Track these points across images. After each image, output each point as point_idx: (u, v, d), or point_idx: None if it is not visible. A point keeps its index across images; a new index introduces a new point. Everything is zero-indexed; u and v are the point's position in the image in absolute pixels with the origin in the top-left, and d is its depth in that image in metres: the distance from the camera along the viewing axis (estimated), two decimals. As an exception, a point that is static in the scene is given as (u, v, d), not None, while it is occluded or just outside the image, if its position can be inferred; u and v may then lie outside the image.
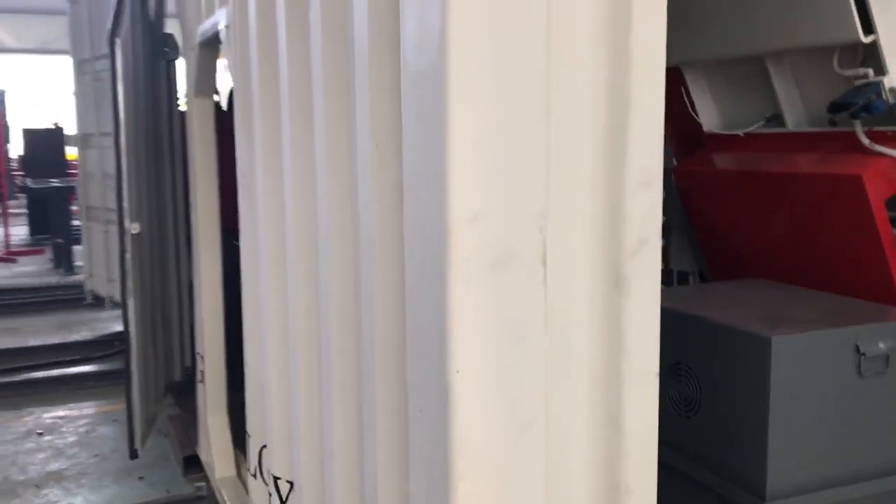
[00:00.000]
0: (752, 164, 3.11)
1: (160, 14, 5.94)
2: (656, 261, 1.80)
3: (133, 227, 4.80)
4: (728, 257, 3.39)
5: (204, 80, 4.29)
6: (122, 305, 4.90)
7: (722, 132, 3.28)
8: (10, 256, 14.95)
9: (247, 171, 3.18)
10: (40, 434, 6.15)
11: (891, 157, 2.64)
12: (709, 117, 3.37)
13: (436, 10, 1.54)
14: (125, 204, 4.78)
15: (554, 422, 1.77)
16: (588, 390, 1.81)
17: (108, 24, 4.76)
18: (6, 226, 15.54)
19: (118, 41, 4.64)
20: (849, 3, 2.52)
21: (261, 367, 3.18)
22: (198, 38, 4.12)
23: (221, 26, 3.49)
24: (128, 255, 4.79)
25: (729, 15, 2.96)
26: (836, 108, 2.71)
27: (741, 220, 3.24)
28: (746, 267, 3.29)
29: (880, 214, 2.66)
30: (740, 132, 3.20)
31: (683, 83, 3.34)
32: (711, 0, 3.01)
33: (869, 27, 2.57)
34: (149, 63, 5.57)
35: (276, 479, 3.11)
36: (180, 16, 4.76)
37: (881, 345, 2.34)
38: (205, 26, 3.92)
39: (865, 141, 2.72)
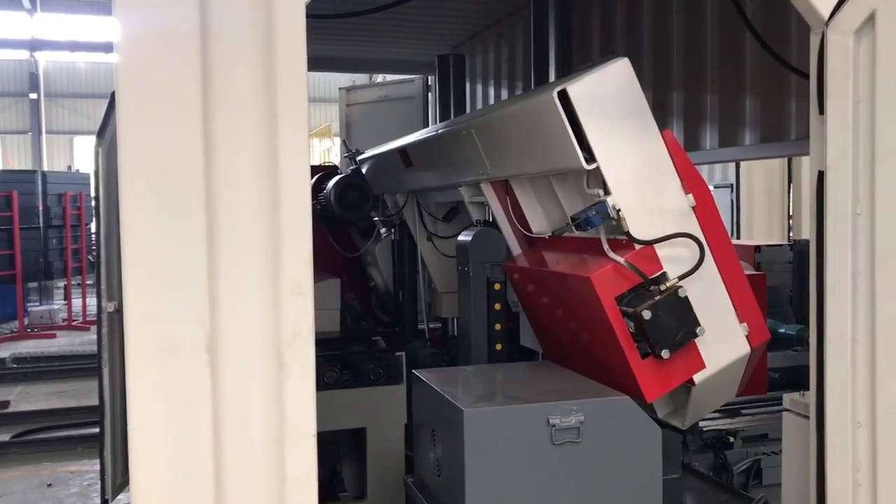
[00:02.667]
0: (544, 262, 3.65)
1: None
2: (309, 350, 2.40)
3: (109, 306, 5.62)
4: (545, 339, 3.91)
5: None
6: (98, 375, 5.68)
7: (536, 234, 3.84)
8: (85, 325, 16.31)
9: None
10: (49, 485, 6.98)
11: (617, 261, 3.16)
12: (536, 221, 3.92)
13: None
14: (103, 286, 5.60)
15: (229, 468, 2.37)
16: (260, 446, 2.40)
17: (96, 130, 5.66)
18: (84, 297, 16.95)
19: (101, 150, 5.54)
20: (570, 138, 3.09)
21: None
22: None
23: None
24: (104, 330, 5.59)
25: (518, 142, 3.54)
26: (574, 219, 3.26)
27: (542, 309, 3.76)
28: (553, 349, 3.80)
29: (612, 310, 3.14)
30: (546, 234, 3.75)
31: (511, 192, 3.93)
32: (510, 129, 3.61)
33: (593, 156, 3.12)
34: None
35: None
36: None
37: (572, 419, 2.84)
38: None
39: (605, 247, 3.24)
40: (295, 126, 2.35)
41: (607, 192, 3.15)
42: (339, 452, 5.09)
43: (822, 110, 2.82)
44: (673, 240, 3.19)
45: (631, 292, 3.19)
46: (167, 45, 2.26)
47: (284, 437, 2.39)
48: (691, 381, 3.28)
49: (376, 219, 6.28)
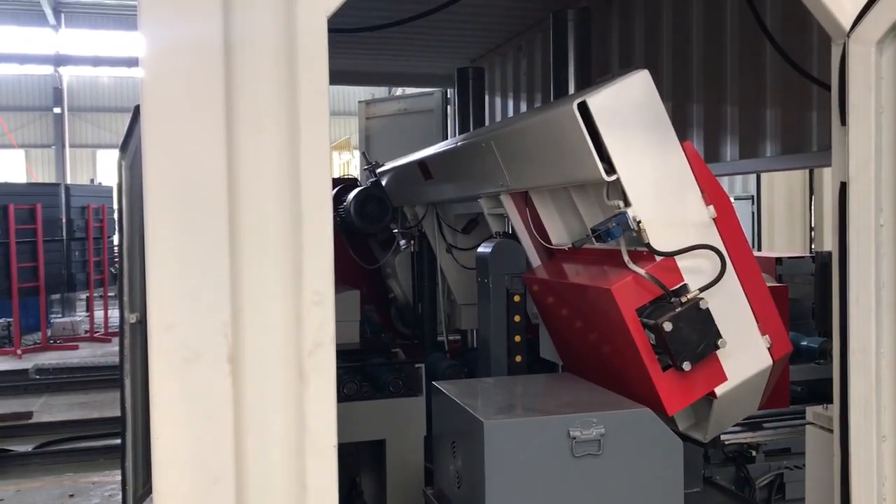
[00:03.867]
0: (564, 273, 3.65)
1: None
2: (330, 360, 2.41)
3: (131, 318, 5.66)
4: (565, 351, 3.90)
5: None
6: (120, 385, 5.72)
7: (556, 246, 3.84)
8: (107, 337, 16.42)
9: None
10: (71, 496, 7.02)
11: (637, 273, 3.16)
12: (556, 232, 3.92)
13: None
14: (125, 298, 5.65)
15: (251, 478, 2.38)
16: (281, 457, 2.41)
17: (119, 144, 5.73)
18: (106, 308, 17.08)
19: (124, 163, 5.60)
20: (590, 150, 3.09)
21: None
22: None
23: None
24: (126, 341, 5.64)
25: (537, 154, 3.55)
26: (594, 231, 3.26)
27: (562, 321, 3.76)
28: (573, 361, 3.79)
29: (633, 321, 3.13)
30: (566, 246, 3.75)
31: (531, 204, 3.93)
32: (530, 141, 3.62)
33: (613, 168, 3.12)
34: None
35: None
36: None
37: (592, 431, 2.83)
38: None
39: (626, 258, 3.23)
40: (316, 138, 2.37)
41: (627, 204, 3.15)
42: (358, 464, 5.09)
43: (843, 121, 2.81)
44: (694, 251, 3.17)
45: (652, 304, 3.17)
46: (191, 59, 2.30)
47: (305, 447, 2.40)
48: (713, 394, 3.25)
49: (396, 231, 6.31)
